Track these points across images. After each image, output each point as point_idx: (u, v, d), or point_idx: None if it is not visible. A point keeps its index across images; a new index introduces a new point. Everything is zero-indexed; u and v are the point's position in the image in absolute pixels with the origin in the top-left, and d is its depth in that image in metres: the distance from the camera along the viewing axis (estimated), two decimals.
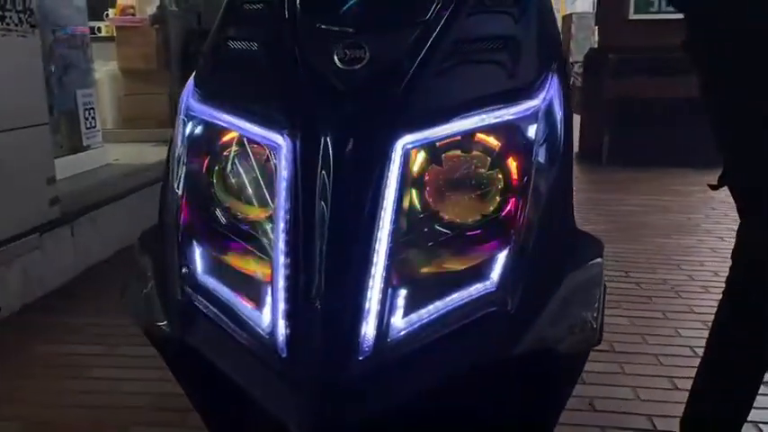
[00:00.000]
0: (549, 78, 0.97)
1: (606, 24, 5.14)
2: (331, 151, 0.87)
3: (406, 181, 0.87)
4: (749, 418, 1.38)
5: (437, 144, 0.91)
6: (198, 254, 0.95)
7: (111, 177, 3.51)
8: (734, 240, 1.31)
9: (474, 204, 0.92)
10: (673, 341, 2.12)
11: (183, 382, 1.05)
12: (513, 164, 0.92)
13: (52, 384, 1.90)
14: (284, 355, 0.82)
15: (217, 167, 0.98)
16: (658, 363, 1.99)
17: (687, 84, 1.95)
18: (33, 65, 2.65)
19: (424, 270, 0.89)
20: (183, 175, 0.98)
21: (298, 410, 0.79)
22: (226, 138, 0.98)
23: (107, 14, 4.87)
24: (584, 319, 0.91)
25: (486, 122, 0.91)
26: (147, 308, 0.98)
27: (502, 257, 0.88)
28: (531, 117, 0.92)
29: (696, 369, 1.41)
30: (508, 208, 0.91)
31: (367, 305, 0.82)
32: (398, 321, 0.84)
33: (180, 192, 0.98)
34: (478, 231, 0.91)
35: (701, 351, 1.41)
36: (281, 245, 0.86)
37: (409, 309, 0.85)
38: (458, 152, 0.92)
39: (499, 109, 0.91)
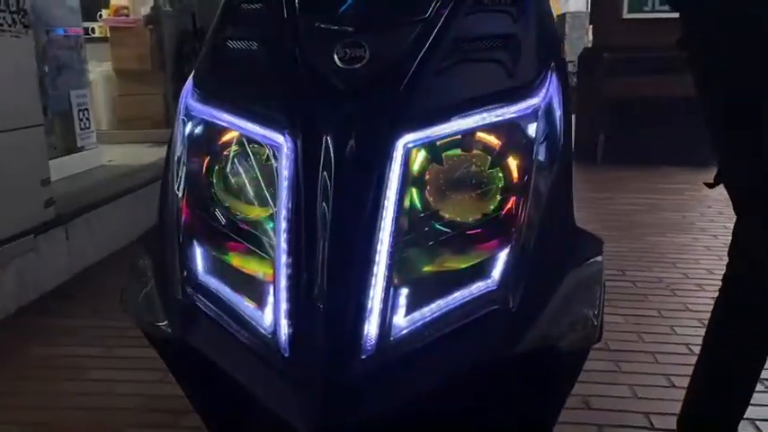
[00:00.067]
0: (549, 77, 0.97)
1: (600, 24, 5.16)
2: (332, 150, 0.87)
3: (406, 180, 0.88)
4: (746, 416, 1.38)
5: (437, 143, 0.91)
6: (199, 254, 0.95)
7: (105, 178, 3.50)
8: (728, 239, 1.32)
9: (474, 203, 0.92)
10: (669, 339, 2.13)
11: (183, 383, 1.05)
12: (513, 162, 0.92)
13: (49, 386, 1.89)
14: (287, 355, 0.82)
15: (217, 167, 0.98)
16: (655, 361, 1.99)
17: (682, 83, 1.96)
18: (27, 65, 2.64)
19: (426, 269, 0.89)
20: (183, 176, 0.98)
21: (301, 410, 0.79)
22: (226, 137, 0.98)
23: (100, 15, 4.85)
24: (585, 317, 0.91)
25: (486, 121, 0.91)
26: (148, 308, 0.97)
27: (503, 256, 0.88)
28: (531, 116, 0.93)
29: (693, 367, 1.41)
30: (509, 206, 0.91)
31: (369, 304, 0.82)
32: (400, 320, 0.84)
33: (180, 192, 0.98)
34: (479, 230, 0.91)
35: (697, 349, 1.41)
36: (283, 244, 0.86)
37: (411, 308, 0.85)
38: (458, 151, 0.92)
39: (499, 108, 0.92)
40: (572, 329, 0.90)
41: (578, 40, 7.14)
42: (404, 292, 0.86)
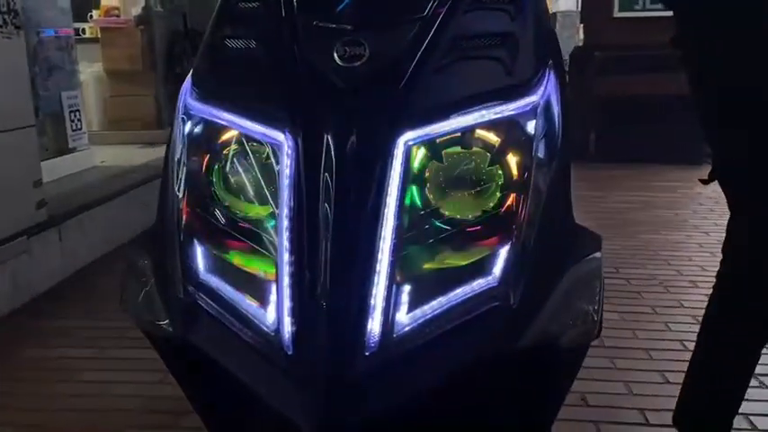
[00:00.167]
0: (547, 74, 0.98)
1: (591, 22, 5.18)
2: (333, 148, 0.87)
3: (407, 177, 0.88)
4: (741, 410, 1.39)
5: (437, 141, 0.91)
6: (199, 253, 0.94)
7: (97, 180, 3.49)
8: (720, 235, 1.33)
9: (475, 200, 0.92)
10: (663, 335, 2.15)
11: (184, 383, 1.04)
12: (512, 160, 0.92)
13: (43, 388, 1.89)
14: (290, 353, 0.82)
15: (217, 166, 0.98)
16: (649, 357, 2.00)
17: (673, 81, 1.97)
18: (19, 66, 2.63)
19: (427, 266, 0.89)
20: (182, 175, 0.98)
21: (304, 407, 0.79)
22: (225, 136, 0.98)
23: (91, 16, 4.81)
24: (585, 312, 0.92)
25: (485, 118, 0.92)
26: (148, 308, 0.97)
27: (503, 252, 0.89)
28: (531, 113, 0.93)
29: (687, 363, 1.42)
30: (509, 203, 0.91)
31: (372, 301, 0.83)
32: (403, 317, 0.85)
33: (180, 191, 0.97)
34: (479, 227, 0.91)
35: (691, 345, 1.42)
36: (286, 242, 0.86)
37: (413, 305, 0.86)
38: (458, 148, 0.93)
39: (498, 105, 0.92)
40: (573, 325, 0.91)
41: (569, 39, 7.15)
42: (406, 289, 0.86)
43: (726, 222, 1.33)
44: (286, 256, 0.85)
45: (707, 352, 1.38)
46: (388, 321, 0.83)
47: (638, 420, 1.68)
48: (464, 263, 0.89)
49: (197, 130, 1.00)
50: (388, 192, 0.86)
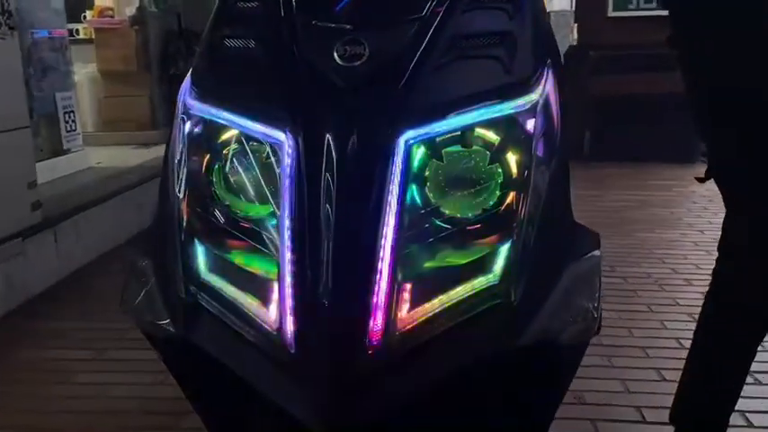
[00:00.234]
0: (545, 73, 0.98)
1: (585, 22, 5.19)
2: (334, 148, 0.87)
3: (408, 176, 0.88)
4: (737, 407, 1.40)
5: (437, 139, 0.91)
6: (200, 252, 0.94)
7: (92, 181, 3.48)
8: (714, 234, 1.33)
9: (475, 199, 0.92)
10: (659, 333, 2.16)
11: (184, 383, 1.04)
12: (512, 158, 0.93)
13: (39, 390, 1.88)
14: (293, 351, 0.82)
15: (217, 165, 0.97)
16: (646, 355, 2.02)
17: (668, 80, 1.98)
18: (13, 67, 2.62)
19: (428, 265, 0.89)
20: (182, 175, 0.98)
21: (308, 406, 0.79)
22: (225, 136, 0.98)
23: (85, 16, 4.80)
24: (585, 309, 0.92)
25: (485, 117, 0.92)
26: (149, 308, 0.97)
27: (504, 250, 0.89)
28: (530, 111, 0.93)
29: (683, 360, 1.43)
30: (508, 201, 0.91)
31: (374, 300, 0.83)
32: (405, 316, 0.85)
33: (180, 191, 0.97)
34: (480, 225, 0.91)
35: (687, 343, 1.43)
36: (287, 241, 0.86)
37: (415, 303, 0.86)
38: (457, 147, 0.93)
39: (498, 103, 0.92)
40: (573, 322, 0.91)
41: (563, 38, 7.17)
42: (407, 287, 0.86)
43: (720, 221, 1.33)
44: (288, 255, 0.85)
45: (704, 350, 1.39)
46: (389, 320, 0.83)
47: (635, 418, 1.69)
48: (464, 261, 0.89)
49: (197, 129, 0.99)
50: (389, 190, 0.86)
